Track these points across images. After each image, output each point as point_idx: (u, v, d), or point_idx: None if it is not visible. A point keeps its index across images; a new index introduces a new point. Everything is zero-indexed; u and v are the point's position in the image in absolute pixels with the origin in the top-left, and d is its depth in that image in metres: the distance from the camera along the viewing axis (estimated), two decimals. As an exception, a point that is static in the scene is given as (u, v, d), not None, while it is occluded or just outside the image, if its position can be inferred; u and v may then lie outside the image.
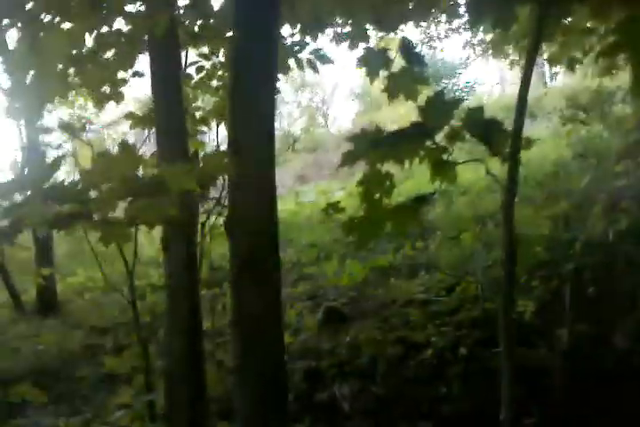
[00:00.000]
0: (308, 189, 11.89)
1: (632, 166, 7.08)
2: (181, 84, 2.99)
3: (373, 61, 2.42)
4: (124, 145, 1.83)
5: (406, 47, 2.09)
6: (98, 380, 5.07)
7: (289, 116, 31.40)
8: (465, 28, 9.54)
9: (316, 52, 3.67)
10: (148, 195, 1.72)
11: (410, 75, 2.18)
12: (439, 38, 10.86)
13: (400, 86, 2.18)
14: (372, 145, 1.74)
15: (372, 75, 2.42)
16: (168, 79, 2.89)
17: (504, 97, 18.16)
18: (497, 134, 2.06)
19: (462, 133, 2.05)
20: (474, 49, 10.93)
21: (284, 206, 10.16)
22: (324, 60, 3.69)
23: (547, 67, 17.59)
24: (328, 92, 31.65)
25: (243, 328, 2.03)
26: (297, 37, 3.80)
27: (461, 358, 3.61)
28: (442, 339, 3.76)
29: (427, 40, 10.81)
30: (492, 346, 3.72)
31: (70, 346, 5.91)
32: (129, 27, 2.82)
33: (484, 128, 2.01)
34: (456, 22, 9.33)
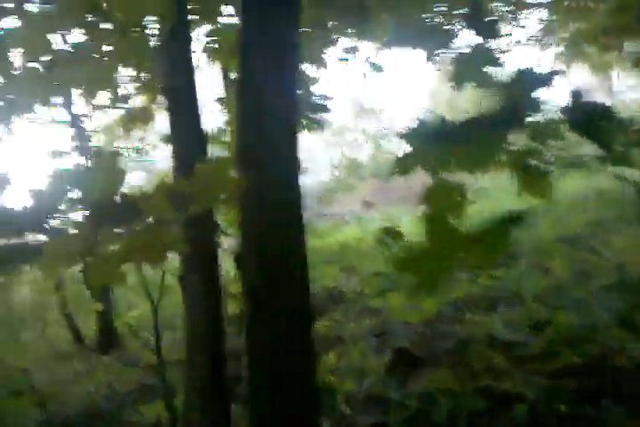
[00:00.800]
0: (374, 216, 11.39)
1: None
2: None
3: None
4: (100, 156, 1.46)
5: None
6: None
7: (354, 143, 31.45)
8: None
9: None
10: (125, 221, 1.27)
11: (480, 56, 1.66)
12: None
13: (467, 71, 1.66)
14: (433, 141, 1.22)
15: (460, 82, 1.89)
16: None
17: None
18: (608, 127, 1.51)
19: (560, 127, 1.51)
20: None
21: (349, 232, 9.95)
22: (376, 68, 3.34)
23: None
24: (391, 117, 31.53)
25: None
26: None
27: (560, 415, 2.95)
28: (534, 390, 3.10)
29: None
30: (597, 398, 3.06)
31: (125, 386, 5.61)
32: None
33: (590, 118, 1.46)
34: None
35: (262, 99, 1.47)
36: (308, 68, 3.95)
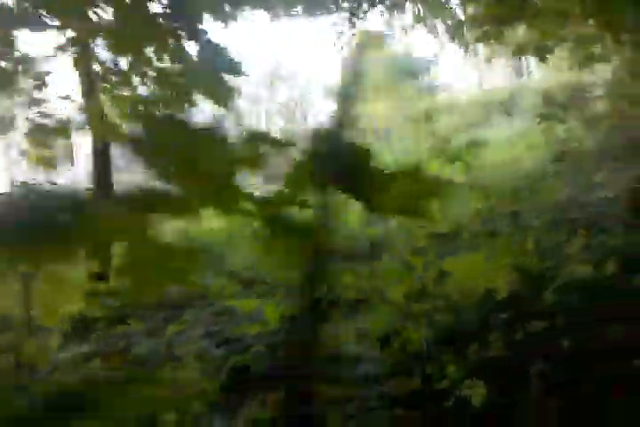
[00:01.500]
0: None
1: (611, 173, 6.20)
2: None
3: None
4: None
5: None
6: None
7: (265, 114, 31.18)
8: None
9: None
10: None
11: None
12: (404, 29, 9.52)
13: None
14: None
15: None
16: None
17: (480, 94, 17.91)
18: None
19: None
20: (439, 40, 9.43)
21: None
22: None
23: (524, 60, 17.52)
24: (304, 88, 31.50)
25: None
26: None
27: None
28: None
29: (391, 31, 9.58)
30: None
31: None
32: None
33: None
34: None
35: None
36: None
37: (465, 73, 23.72)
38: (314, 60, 31.15)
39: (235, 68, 3.16)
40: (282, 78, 32.87)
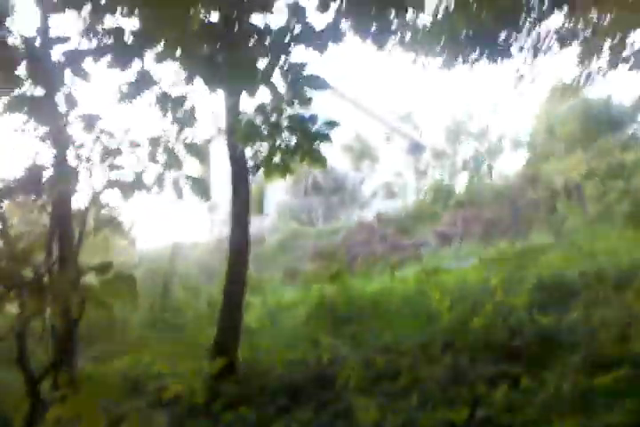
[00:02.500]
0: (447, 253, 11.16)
1: None
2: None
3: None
4: None
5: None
6: None
7: (451, 167, 35.68)
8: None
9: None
10: None
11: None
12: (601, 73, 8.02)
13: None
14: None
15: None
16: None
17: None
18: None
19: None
20: None
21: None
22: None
23: None
24: (493, 142, 35.07)
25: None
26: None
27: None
28: None
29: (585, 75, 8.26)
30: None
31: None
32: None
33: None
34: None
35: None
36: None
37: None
38: (496, 107, 33.17)
39: (319, 84, 3.41)
40: (468, 132, 36.60)
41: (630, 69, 7.40)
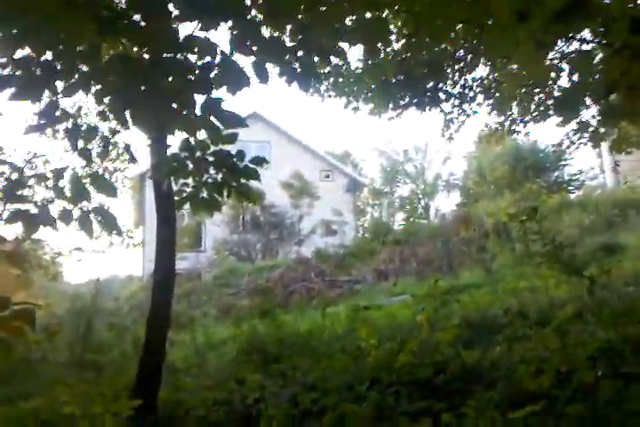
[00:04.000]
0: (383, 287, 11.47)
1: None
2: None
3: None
4: None
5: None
6: None
7: (389, 207, 36.76)
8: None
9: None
10: None
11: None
12: (523, 122, 8.57)
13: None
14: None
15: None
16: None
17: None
18: None
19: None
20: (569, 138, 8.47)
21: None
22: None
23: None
24: (430, 182, 36.39)
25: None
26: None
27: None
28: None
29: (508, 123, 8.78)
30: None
31: None
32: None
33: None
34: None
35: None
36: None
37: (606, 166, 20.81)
38: (431, 149, 34.51)
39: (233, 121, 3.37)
40: (405, 172, 37.96)
41: (538, 121, 7.94)
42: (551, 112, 7.35)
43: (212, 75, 3.32)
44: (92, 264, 29.15)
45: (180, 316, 12.15)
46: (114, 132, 3.74)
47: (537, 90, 6.79)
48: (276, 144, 25.96)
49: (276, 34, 3.31)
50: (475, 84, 8.38)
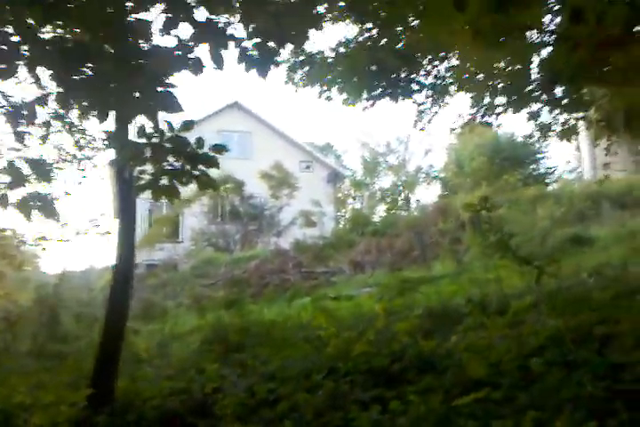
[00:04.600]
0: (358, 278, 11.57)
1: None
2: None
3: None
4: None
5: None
6: None
7: (370, 199, 36.85)
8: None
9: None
10: None
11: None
12: (495, 113, 8.23)
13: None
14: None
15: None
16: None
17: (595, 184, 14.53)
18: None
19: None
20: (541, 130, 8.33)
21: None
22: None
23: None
24: (411, 174, 36.67)
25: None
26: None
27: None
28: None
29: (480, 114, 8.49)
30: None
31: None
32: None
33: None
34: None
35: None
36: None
37: (582, 159, 21.26)
38: (408, 142, 34.76)
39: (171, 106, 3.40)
40: (386, 163, 38.06)
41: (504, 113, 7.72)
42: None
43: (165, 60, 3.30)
44: (70, 254, 28.91)
45: (153, 306, 12.11)
46: (58, 117, 3.71)
47: (498, 80, 6.71)
48: (257, 134, 25.81)
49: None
50: (448, 74, 8.29)
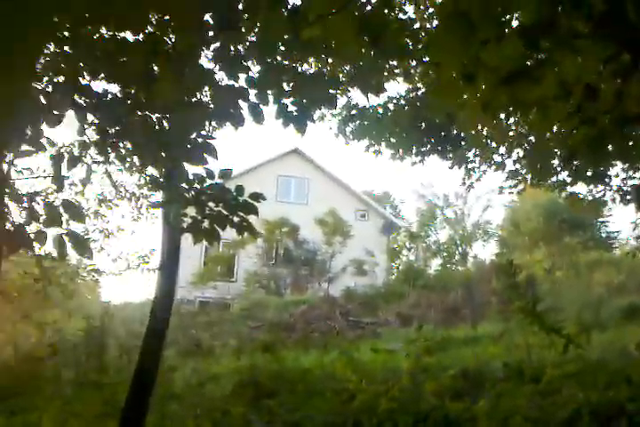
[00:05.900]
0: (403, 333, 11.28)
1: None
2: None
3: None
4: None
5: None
6: None
7: (425, 251, 36.00)
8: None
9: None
10: None
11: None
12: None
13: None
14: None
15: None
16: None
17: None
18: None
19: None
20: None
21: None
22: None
23: None
24: (469, 229, 35.87)
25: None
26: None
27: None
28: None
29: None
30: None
31: None
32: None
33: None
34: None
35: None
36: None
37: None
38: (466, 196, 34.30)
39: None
40: (444, 217, 37.36)
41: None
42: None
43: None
44: (132, 285, 29.78)
45: (200, 344, 12.31)
46: (101, 162, 4.02)
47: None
48: (314, 181, 26.31)
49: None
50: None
